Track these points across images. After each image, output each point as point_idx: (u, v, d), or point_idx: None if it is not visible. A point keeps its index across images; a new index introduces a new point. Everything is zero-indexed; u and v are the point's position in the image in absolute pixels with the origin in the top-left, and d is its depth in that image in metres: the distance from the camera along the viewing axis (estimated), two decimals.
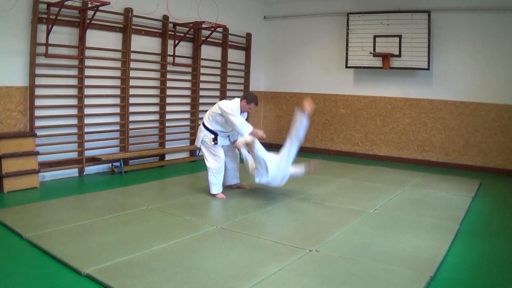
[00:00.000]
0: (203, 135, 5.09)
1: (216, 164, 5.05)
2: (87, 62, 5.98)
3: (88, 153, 6.12)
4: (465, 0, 7.34)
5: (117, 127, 6.57)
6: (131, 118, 6.67)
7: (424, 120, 7.90)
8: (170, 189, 5.74)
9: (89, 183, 5.85)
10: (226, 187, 5.37)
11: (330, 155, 8.68)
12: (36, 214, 4.24)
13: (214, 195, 5.06)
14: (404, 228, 4.11)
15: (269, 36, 9.61)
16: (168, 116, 7.30)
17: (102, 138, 6.34)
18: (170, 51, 7.18)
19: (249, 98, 5.05)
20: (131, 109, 6.64)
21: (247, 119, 5.18)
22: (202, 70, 7.91)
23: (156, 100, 7.14)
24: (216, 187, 5.08)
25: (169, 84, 7.26)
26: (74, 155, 6.00)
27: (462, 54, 7.48)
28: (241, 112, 5.06)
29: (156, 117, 7.19)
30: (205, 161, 5.11)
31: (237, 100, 5.07)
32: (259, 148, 4.74)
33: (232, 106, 4.95)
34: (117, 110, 6.54)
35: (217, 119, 4.99)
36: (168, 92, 7.25)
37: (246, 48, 9.04)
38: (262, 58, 9.64)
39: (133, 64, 6.59)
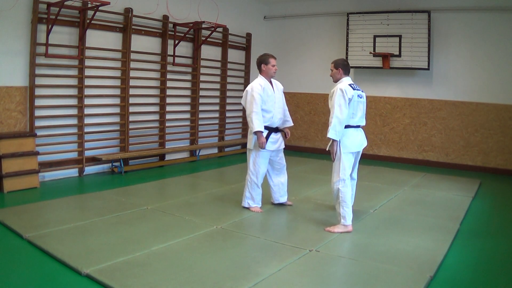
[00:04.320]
0: (253, 136, 4.36)
1: (258, 176, 4.43)
2: (87, 62, 5.97)
3: (88, 153, 6.12)
4: (465, 0, 7.34)
5: (117, 127, 6.56)
6: (131, 118, 6.67)
7: (424, 120, 7.90)
8: (170, 189, 5.74)
9: (89, 183, 5.85)
10: (273, 204, 4.78)
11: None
12: (36, 214, 4.24)
13: (247, 208, 4.54)
14: (404, 228, 4.11)
15: (269, 36, 9.61)
16: (168, 116, 7.30)
17: (102, 138, 6.34)
18: (170, 51, 7.18)
19: (263, 58, 4.44)
20: (131, 109, 6.64)
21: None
22: (202, 70, 7.91)
23: (156, 100, 7.14)
24: (248, 200, 4.52)
25: (169, 84, 7.26)
26: (74, 155, 6.00)
27: (462, 54, 7.49)
28: (270, 79, 4.47)
29: (156, 117, 7.19)
30: (248, 168, 4.51)
31: (259, 76, 4.49)
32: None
33: (253, 84, 4.39)
34: (117, 110, 6.54)
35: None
36: (168, 92, 7.25)
37: (246, 48, 9.04)
38: None
39: (133, 64, 6.59)
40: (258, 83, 4.38)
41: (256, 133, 4.27)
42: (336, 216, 4.05)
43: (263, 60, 4.44)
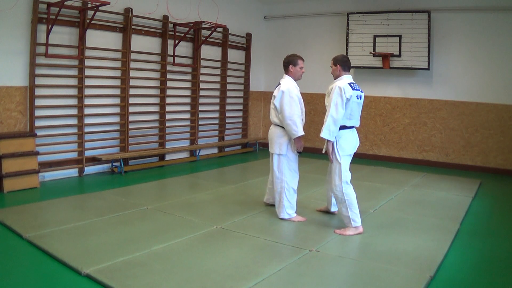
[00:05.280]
0: (285, 141, 4.16)
1: (294, 181, 4.23)
2: (87, 62, 5.97)
3: (88, 153, 6.12)
4: (465, 0, 7.35)
5: (117, 127, 6.56)
6: (131, 118, 6.67)
7: (424, 120, 7.90)
8: (170, 189, 5.74)
9: (89, 183, 5.85)
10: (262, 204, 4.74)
11: None
12: (36, 214, 4.24)
13: (285, 219, 4.21)
14: (404, 228, 4.11)
15: (269, 36, 9.61)
16: (168, 116, 7.30)
17: (102, 138, 6.34)
18: (170, 51, 7.17)
19: (292, 59, 4.23)
20: (131, 109, 6.64)
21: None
22: (202, 70, 7.91)
23: (156, 100, 7.14)
24: (287, 210, 4.20)
25: (169, 84, 7.26)
26: (74, 155, 6.00)
27: (462, 54, 7.49)
28: (296, 80, 4.29)
29: (156, 117, 7.19)
30: (280, 175, 4.23)
31: (286, 76, 4.26)
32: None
33: (288, 86, 4.11)
34: (117, 110, 6.53)
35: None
36: (168, 92, 7.25)
37: (246, 48, 9.04)
38: (262, 58, 9.63)
39: (133, 64, 6.59)
40: (293, 85, 4.19)
41: (298, 137, 4.09)
42: (341, 219, 4.06)
43: (291, 61, 4.24)
